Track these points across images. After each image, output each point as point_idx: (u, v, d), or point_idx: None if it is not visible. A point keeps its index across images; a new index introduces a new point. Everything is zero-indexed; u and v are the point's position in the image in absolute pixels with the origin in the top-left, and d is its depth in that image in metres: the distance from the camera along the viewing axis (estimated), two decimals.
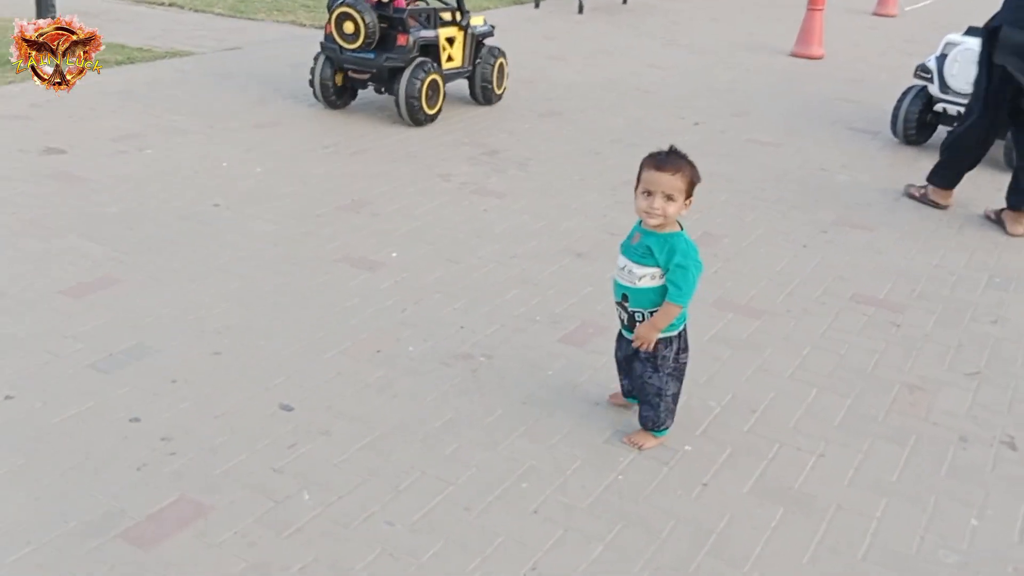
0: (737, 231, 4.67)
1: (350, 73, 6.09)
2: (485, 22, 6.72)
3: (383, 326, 3.48)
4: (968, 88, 5.85)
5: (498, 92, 6.74)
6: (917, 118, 6.26)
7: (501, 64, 6.67)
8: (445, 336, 3.43)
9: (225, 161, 5.13)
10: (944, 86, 6.04)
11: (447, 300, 3.73)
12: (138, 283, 3.67)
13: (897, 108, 6.35)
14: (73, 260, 3.81)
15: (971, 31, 6.14)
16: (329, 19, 5.85)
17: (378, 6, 5.84)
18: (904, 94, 6.34)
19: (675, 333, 2.77)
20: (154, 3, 9.83)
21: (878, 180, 5.66)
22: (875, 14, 12.59)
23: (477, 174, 5.23)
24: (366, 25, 5.70)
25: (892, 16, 12.47)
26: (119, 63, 7.01)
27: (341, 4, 5.74)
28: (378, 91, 6.18)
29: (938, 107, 6.15)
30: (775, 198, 5.21)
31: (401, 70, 5.85)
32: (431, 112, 6.09)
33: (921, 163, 5.87)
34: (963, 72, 5.87)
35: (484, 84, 6.60)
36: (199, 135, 5.55)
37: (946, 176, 5.28)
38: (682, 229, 2.69)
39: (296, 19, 9.46)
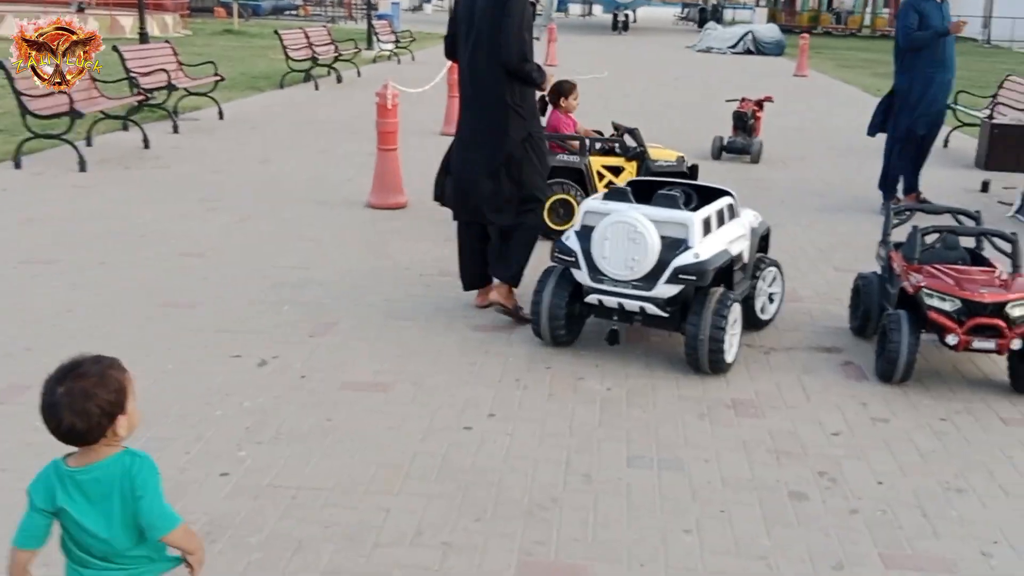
0: None
1: None
2: (682, 161, 6.78)
3: None
4: (628, 273, 4.31)
5: None
6: (565, 312, 4.59)
7: None
8: None
9: None
10: (595, 272, 4.42)
11: None
12: None
13: (537, 300, 4.62)
14: None
15: (612, 194, 4.65)
16: None
17: None
18: (542, 281, 4.65)
19: None
20: None
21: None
22: (444, 134, 11.19)
23: None
24: None
25: None
26: None
27: None
28: None
29: (591, 299, 4.51)
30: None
31: None
32: (556, 228, 6.33)
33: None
34: (619, 252, 4.31)
35: None
36: None
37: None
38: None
39: None
